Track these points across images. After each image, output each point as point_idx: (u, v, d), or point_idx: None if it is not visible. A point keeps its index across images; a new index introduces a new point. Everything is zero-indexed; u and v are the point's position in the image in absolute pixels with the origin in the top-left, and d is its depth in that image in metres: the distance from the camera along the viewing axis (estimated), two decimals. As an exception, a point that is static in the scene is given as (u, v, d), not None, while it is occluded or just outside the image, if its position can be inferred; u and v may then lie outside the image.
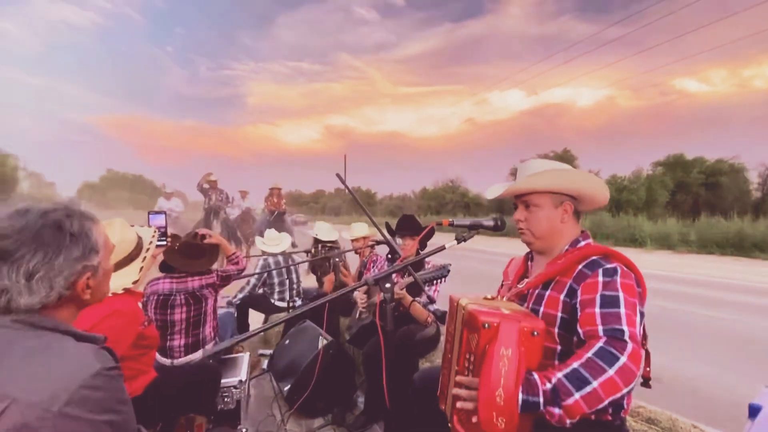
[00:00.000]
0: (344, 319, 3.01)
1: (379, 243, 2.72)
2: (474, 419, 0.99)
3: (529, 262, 1.43)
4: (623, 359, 0.96)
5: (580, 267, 1.18)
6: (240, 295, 3.50)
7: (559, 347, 1.17)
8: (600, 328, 1.03)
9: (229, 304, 3.48)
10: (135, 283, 1.51)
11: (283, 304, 3.54)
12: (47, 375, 0.68)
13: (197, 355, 2.18)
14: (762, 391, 1.25)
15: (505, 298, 1.34)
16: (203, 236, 2.30)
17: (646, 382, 1.14)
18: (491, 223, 1.32)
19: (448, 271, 2.08)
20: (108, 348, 0.80)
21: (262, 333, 3.58)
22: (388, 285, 1.23)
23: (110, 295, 1.41)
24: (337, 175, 2.13)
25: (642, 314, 1.10)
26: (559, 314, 1.17)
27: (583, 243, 1.28)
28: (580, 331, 1.07)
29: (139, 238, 1.61)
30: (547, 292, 1.22)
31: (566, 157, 27.47)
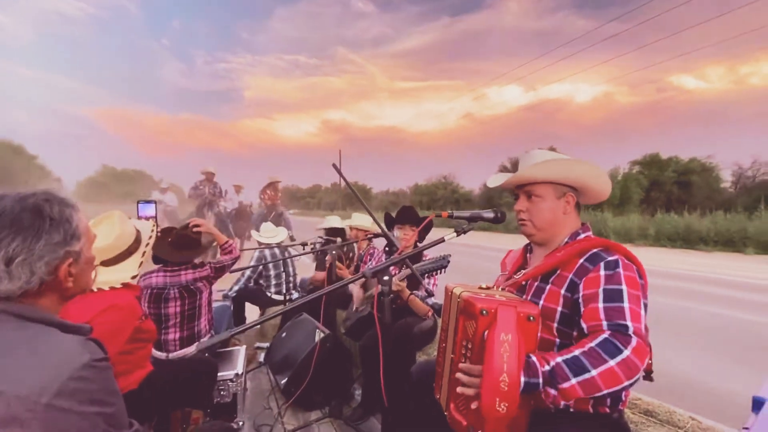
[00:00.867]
0: (341, 312, 3.00)
1: (377, 236, 2.70)
2: (474, 405, 1.00)
3: (528, 254, 1.42)
4: (626, 353, 0.95)
5: (581, 261, 1.16)
6: (236, 288, 3.48)
7: (558, 340, 1.16)
8: (604, 323, 1.02)
9: (225, 297, 3.46)
10: (134, 277, 1.49)
11: (280, 297, 3.52)
12: (34, 367, 0.67)
13: (192, 349, 2.16)
14: (766, 384, 1.25)
15: (500, 288, 1.33)
16: (195, 226, 2.27)
17: (648, 375, 1.13)
18: (491, 215, 1.30)
19: (448, 262, 2.07)
20: (95, 339, 0.78)
21: (258, 326, 3.57)
22: (386, 278, 1.21)
23: (108, 289, 1.39)
24: (333, 166, 2.11)
25: (645, 306, 1.09)
26: (560, 309, 1.16)
27: (583, 235, 1.26)
28: (584, 326, 1.06)
29: (138, 231, 1.59)
30: (548, 286, 1.20)
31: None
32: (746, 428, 1.17)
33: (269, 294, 3.52)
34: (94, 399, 0.70)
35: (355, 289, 2.60)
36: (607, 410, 1.11)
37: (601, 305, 1.05)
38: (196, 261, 2.27)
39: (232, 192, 9.00)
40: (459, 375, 1.05)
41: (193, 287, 2.18)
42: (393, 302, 1.80)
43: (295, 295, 3.61)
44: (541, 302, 1.19)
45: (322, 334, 2.48)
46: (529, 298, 1.24)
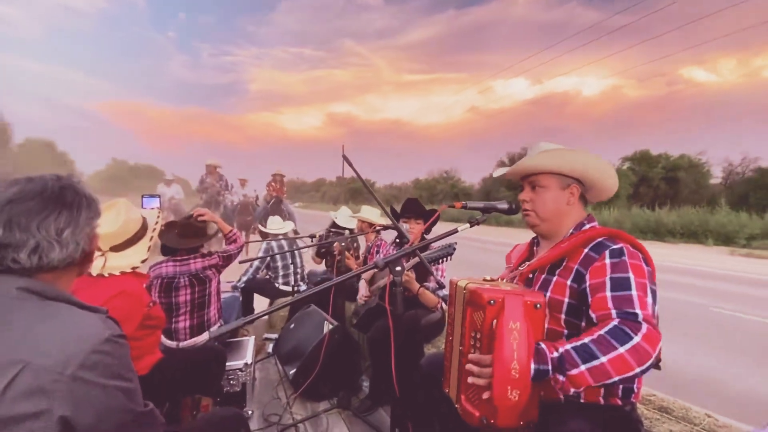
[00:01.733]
0: (349, 304, 3.00)
1: (386, 228, 2.68)
2: (485, 395, 1.00)
3: (535, 248, 1.40)
4: (636, 339, 0.94)
5: (586, 250, 1.15)
6: (244, 279, 3.50)
7: (565, 331, 1.15)
8: (613, 311, 1.01)
9: (234, 288, 3.48)
10: (143, 261, 1.52)
11: (288, 289, 3.53)
12: (59, 340, 0.70)
13: (203, 337, 2.18)
14: None
15: (505, 280, 1.31)
16: (199, 215, 2.32)
17: (656, 364, 1.11)
18: (505, 206, 1.28)
19: (454, 249, 2.05)
20: (113, 318, 0.81)
21: (266, 317, 3.58)
22: (398, 268, 1.19)
23: (118, 274, 1.41)
24: (344, 157, 2.08)
25: (654, 293, 1.07)
26: (566, 300, 1.15)
27: (588, 226, 1.25)
28: (592, 315, 1.05)
29: (144, 218, 1.61)
30: (554, 278, 1.19)
31: None
32: None
33: (277, 285, 3.53)
34: (115, 373, 0.74)
35: (362, 285, 2.59)
36: (619, 402, 1.09)
37: (608, 294, 1.04)
38: (204, 251, 2.30)
39: (237, 186, 9.04)
40: (469, 366, 1.05)
41: (202, 275, 2.20)
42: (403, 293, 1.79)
43: (303, 286, 3.63)
44: (548, 294, 1.18)
45: (330, 326, 2.48)
46: (536, 290, 1.22)
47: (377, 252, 3.29)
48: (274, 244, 3.54)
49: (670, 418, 1.44)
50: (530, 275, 1.28)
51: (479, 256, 9.20)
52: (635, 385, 1.10)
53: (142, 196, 2.13)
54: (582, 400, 1.09)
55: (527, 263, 1.34)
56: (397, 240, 2.60)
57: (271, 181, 8.04)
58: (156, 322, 1.56)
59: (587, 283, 1.10)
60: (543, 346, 0.98)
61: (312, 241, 3.58)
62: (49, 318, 0.72)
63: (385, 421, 2.16)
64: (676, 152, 23.16)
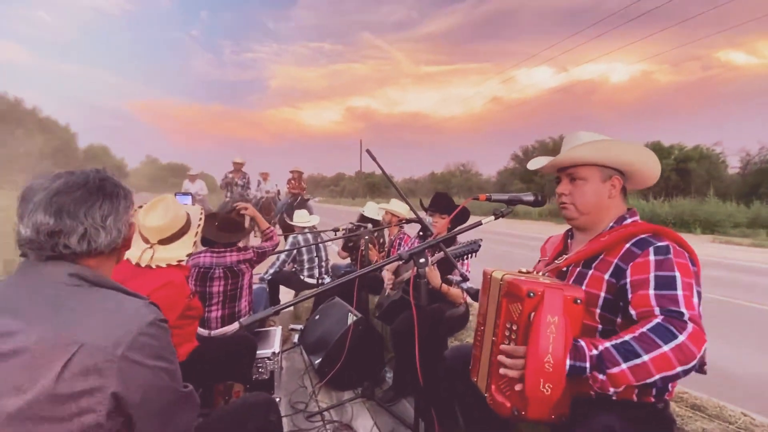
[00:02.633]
0: (373, 297, 3.04)
1: (409, 221, 2.70)
2: (518, 387, 0.99)
3: (569, 240, 1.37)
4: (682, 338, 0.90)
5: (628, 245, 1.11)
6: (270, 271, 3.60)
7: (600, 326, 1.12)
8: (656, 309, 0.98)
9: (261, 279, 3.59)
10: (189, 256, 1.61)
11: (313, 281, 3.61)
12: (109, 323, 0.75)
13: (233, 327, 2.27)
14: None
15: (541, 273, 1.29)
16: (242, 208, 2.43)
17: (700, 368, 1.08)
18: (531, 198, 1.26)
19: (479, 245, 2.04)
20: (155, 304, 0.86)
21: (291, 308, 3.68)
22: (422, 260, 1.21)
23: (165, 266, 1.51)
24: (368, 152, 2.10)
25: (699, 294, 1.03)
26: (603, 294, 1.11)
27: (629, 220, 1.20)
28: (632, 312, 1.02)
29: (188, 214, 1.69)
30: (590, 271, 1.16)
31: (561, 144, 27.20)
32: None
33: (302, 277, 3.62)
34: (159, 354, 0.79)
35: (387, 274, 2.62)
36: (652, 399, 1.07)
37: (652, 292, 1.00)
38: (240, 245, 2.38)
39: (260, 181, 9.22)
40: (501, 357, 1.04)
41: (236, 268, 2.28)
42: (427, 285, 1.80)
43: (327, 279, 3.70)
44: (584, 288, 1.15)
45: (354, 317, 2.53)
46: (571, 284, 1.20)
47: (399, 245, 3.31)
48: (300, 237, 3.62)
49: (704, 416, 1.40)
50: (564, 268, 1.25)
51: (499, 248, 9.10)
52: (670, 384, 1.07)
53: (175, 194, 2.23)
54: (614, 397, 1.06)
55: (564, 257, 1.31)
56: (421, 233, 2.61)
57: (290, 178, 8.19)
58: (195, 313, 1.65)
59: (628, 279, 1.06)
60: (582, 343, 0.96)
61: (335, 235, 3.65)
62: (100, 302, 0.78)
63: (408, 411, 2.19)
64: (711, 140, 22.39)
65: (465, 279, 2.08)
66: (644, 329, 0.94)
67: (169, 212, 1.58)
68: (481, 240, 2.06)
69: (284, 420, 2.00)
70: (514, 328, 1.04)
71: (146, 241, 1.55)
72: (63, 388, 0.69)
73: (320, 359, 2.52)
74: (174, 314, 1.48)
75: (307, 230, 3.70)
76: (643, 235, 1.11)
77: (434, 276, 2.15)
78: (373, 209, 3.94)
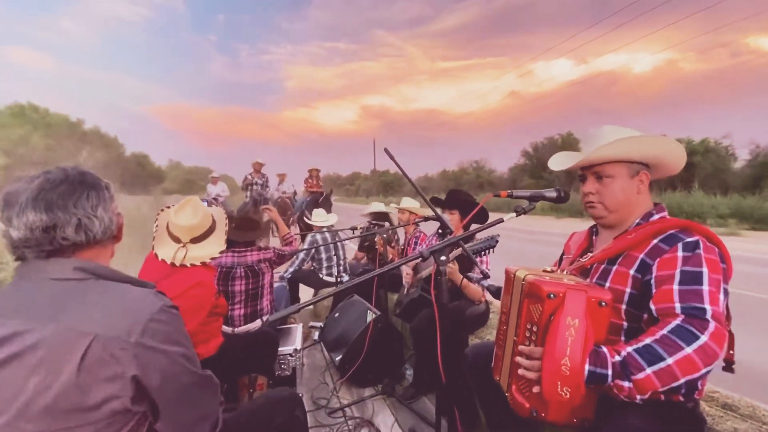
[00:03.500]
0: (391, 295, 3.05)
1: (427, 219, 2.69)
2: (536, 389, 0.98)
3: (594, 237, 1.35)
4: (704, 338, 0.89)
5: (655, 241, 1.08)
6: (290, 269, 3.66)
7: (625, 324, 1.10)
8: (678, 305, 0.95)
9: (281, 278, 3.65)
10: (221, 252, 1.66)
11: (331, 279, 3.65)
12: (120, 313, 0.77)
13: (255, 324, 2.32)
14: None
15: (565, 272, 1.28)
16: (265, 209, 2.53)
17: (729, 366, 1.05)
18: (554, 194, 1.24)
19: (497, 241, 2.02)
20: (162, 292, 0.88)
21: (312, 306, 3.73)
22: (443, 258, 1.21)
23: (199, 264, 1.57)
24: (386, 151, 2.11)
25: (726, 292, 1.00)
26: (628, 290, 1.09)
27: (657, 216, 1.17)
28: (653, 308, 1.00)
29: (212, 214, 1.76)
30: (614, 267, 1.14)
31: (569, 140, 27.37)
32: None
33: (321, 276, 3.66)
34: (173, 339, 0.81)
35: (406, 268, 2.62)
36: (681, 399, 1.04)
37: (676, 287, 0.98)
38: (261, 245, 2.43)
39: (276, 181, 9.38)
40: (519, 359, 1.03)
41: (257, 268, 2.33)
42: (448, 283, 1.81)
43: (346, 277, 3.73)
44: (608, 284, 1.13)
45: (373, 315, 2.55)
46: (594, 281, 1.18)
47: (415, 244, 3.31)
48: (318, 236, 3.67)
49: (736, 416, 1.36)
50: (589, 266, 1.23)
51: (513, 245, 8.98)
52: (699, 383, 1.04)
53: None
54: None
55: (589, 254, 1.28)
56: (440, 231, 2.61)
57: (308, 177, 8.30)
58: (221, 310, 1.71)
59: (653, 275, 1.04)
60: (604, 349, 0.94)
61: (353, 233, 3.68)
62: (108, 294, 0.80)
63: (428, 408, 2.20)
64: (739, 130, 21.66)
65: (486, 276, 2.07)
66: (664, 331, 0.93)
67: (198, 211, 1.64)
68: (498, 236, 2.04)
69: (307, 416, 2.04)
70: (535, 329, 1.03)
71: (177, 240, 1.61)
72: (85, 379, 0.71)
73: (341, 356, 2.55)
74: (204, 312, 1.54)
75: (325, 229, 3.74)
76: (672, 231, 1.08)
77: (454, 271, 2.14)
78: (379, 205, 3.97)
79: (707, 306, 0.93)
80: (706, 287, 0.95)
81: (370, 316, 2.57)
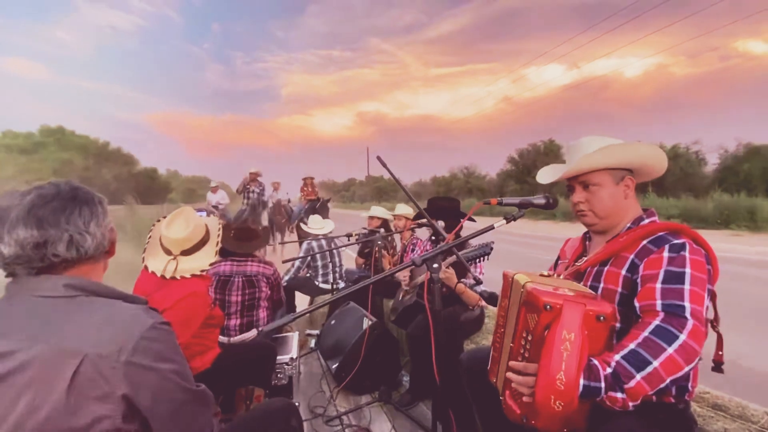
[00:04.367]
0: (387, 302, 3.06)
1: (421, 226, 2.72)
2: (526, 399, 0.99)
3: (587, 242, 1.38)
4: (682, 337, 0.92)
5: (644, 242, 1.12)
6: (286, 277, 3.66)
7: (618, 325, 1.12)
8: (659, 302, 0.99)
9: (277, 286, 3.65)
10: (212, 265, 1.64)
11: (327, 286, 3.65)
12: (109, 331, 0.76)
13: (251, 334, 2.31)
14: None
15: (562, 276, 1.30)
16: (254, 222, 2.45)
17: (718, 367, 1.07)
18: (542, 201, 1.26)
19: (491, 248, 2.05)
20: (154, 308, 0.87)
21: (307, 314, 3.73)
22: (435, 265, 1.22)
23: (189, 276, 1.55)
24: (378, 158, 2.13)
25: (711, 293, 1.04)
26: (619, 290, 1.13)
27: (647, 221, 1.21)
28: (636, 305, 1.03)
29: (206, 224, 1.75)
30: (606, 268, 1.17)
31: (551, 147, 27.80)
32: None
33: (317, 283, 3.66)
34: (164, 356, 0.80)
35: (403, 275, 2.64)
36: (672, 400, 1.06)
37: (659, 285, 1.01)
38: (264, 260, 2.44)
39: (271, 189, 9.40)
40: (510, 374, 1.03)
41: (254, 279, 2.33)
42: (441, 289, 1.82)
43: (342, 284, 3.73)
44: (601, 285, 1.16)
45: (369, 322, 2.56)
46: (588, 284, 1.21)
47: (413, 250, 3.33)
48: (314, 243, 3.67)
49: (726, 416, 1.38)
50: (583, 270, 1.26)
51: (505, 247, 9.03)
52: (690, 384, 1.06)
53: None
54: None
55: (583, 258, 1.31)
56: (433, 237, 2.63)
57: (303, 185, 8.33)
58: (216, 321, 1.70)
59: (640, 274, 1.07)
60: (595, 361, 0.94)
61: (349, 240, 3.68)
62: (98, 312, 0.78)
63: (425, 414, 2.21)
64: (730, 133, 22.18)
65: (478, 282, 2.08)
66: (646, 333, 0.95)
67: (190, 223, 1.62)
68: (493, 242, 2.07)
69: (304, 424, 2.04)
70: (529, 338, 1.02)
71: (169, 252, 1.59)
72: (76, 399, 0.70)
73: (337, 364, 2.55)
74: (197, 323, 1.53)
75: (321, 236, 3.75)
76: (660, 233, 1.11)
77: (451, 278, 2.15)
78: (380, 209, 3.99)
79: (686, 304, 0.96)
80: (688, 286, 0.98)
81: (366, 323, 2.58)
